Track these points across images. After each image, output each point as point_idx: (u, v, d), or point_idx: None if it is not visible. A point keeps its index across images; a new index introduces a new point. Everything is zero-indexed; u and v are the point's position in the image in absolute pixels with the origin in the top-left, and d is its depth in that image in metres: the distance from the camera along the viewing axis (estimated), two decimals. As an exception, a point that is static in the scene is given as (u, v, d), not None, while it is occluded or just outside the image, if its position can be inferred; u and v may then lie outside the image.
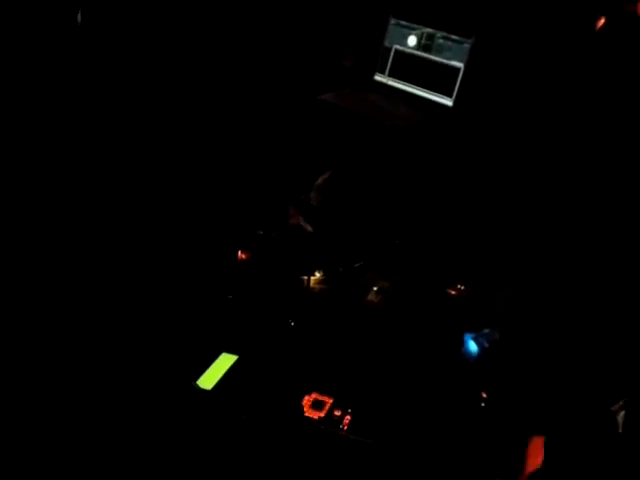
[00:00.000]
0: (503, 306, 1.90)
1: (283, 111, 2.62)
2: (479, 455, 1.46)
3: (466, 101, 2.51)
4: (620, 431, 1.53)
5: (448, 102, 2.55)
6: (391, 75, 2.74)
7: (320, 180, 2.26)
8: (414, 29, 2.67)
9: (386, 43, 2.75)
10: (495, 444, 1.49)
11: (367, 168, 2.34)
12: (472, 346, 1.76)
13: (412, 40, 2.67)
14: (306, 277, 1.93)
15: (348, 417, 1.52)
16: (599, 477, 1.42)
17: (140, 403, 1.48)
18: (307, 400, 1.56)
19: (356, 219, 2.15)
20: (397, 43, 2.72)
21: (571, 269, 1.99)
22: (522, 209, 2.19)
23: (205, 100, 2.60)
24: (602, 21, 2.20)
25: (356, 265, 2.00)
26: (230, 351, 1.68)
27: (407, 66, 2.69)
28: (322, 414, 1.53)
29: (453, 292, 1.95)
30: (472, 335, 1.77)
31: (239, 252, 2.01)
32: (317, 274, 1.95)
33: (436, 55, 2.61)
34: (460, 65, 2.52)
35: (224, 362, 1.65)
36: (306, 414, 1.52)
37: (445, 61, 2.57)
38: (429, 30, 2.63)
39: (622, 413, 1.55)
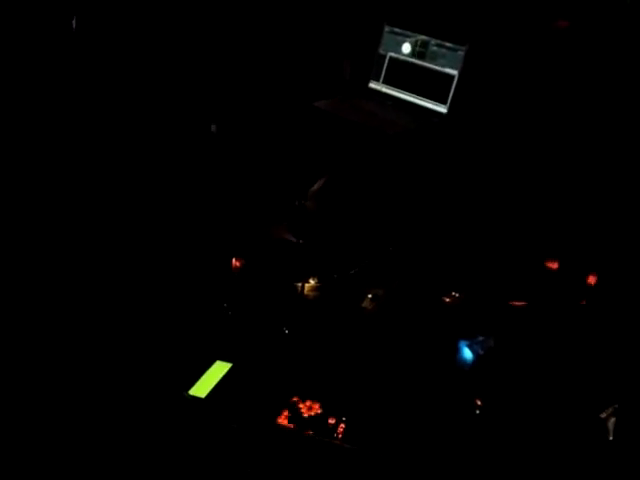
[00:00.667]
0: (498, 313, 1.90)
1: (278, 118, 2.62)
2: (474, 462, 1.46)
3: (460, 108, 2.51)
4: (610, 438, 1.54)
5: (442, 109, 2.55)
6: (385, 82, 2.75)
7: (315, 187, 2.26)
8: (408, 36, 2.67)
9: (381, 50, 2.75)
10: (489, 451, 1.49)
11: (362, 175, 2.34)
12: (467, 353, 1.76)
13: (406, 47, 2.68)
14: (300, 284, 1.93)
15: (342, 425, 1.52)
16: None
17: (133, 411, 1.47)
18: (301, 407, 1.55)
19: (351, 226, 2.14)
20: (392, 50, 2.72)
21: (564, 277, 1.99)
22: (517, 216, 2.19)
23: (200, 106, 2.60)
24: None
25: (351, 272, 1.99)
26: (224, 359, 1.67)
27: (401, 73, 2.70)
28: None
29: (448, 299, 1.95)
30: (467, 342, 1.77)
31: (233, 260, 2.00)
32: (311, 281, 1.95)
33: (430, 62, 2.61)
34: (454, 72, 2.53)
35: (218, 370, 1.65)
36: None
37: (439, 68, 2.58)
38: (423, 37, 2.63)
39: (612, 420, 1.55)
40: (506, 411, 1.59)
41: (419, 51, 2.65)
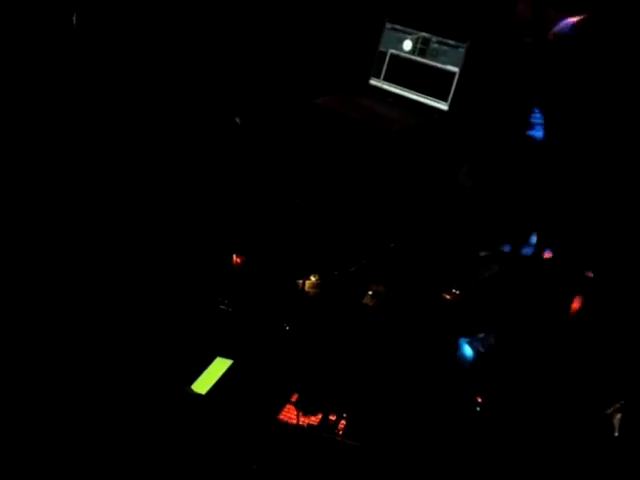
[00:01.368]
0: (498, 310, 1.90)
1: (278, 115, 2.62)
2: (474, 459, 1.46)
3: (461, 105, 2.51)
4: (616, 434, 1.53)
5: (443, 106, 2.55)
6: (386, 79, 2.74)
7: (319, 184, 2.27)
8: (409, 33, 2.67)
9: (381, 47, 2.75)
10: (490, 448, 1.49)
11: (363, 172, 2.33)
12: (467, 350, 1.76)
13: (407, 44, 2.67)
14: (301, 281, 1.93)
15: (343, 422, 1.52)
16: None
17: (135, 407, 1.47)
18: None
19: (352, 222, 2.14)
20: (392, 47, 2.72)
21: (565, 274, 1.99)
22: (518, 213, 2.19)
23: (200, 103, 2.59)
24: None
25: (351, 269, 1.99)
26: (225, 355, 1.68)
27: (402, 70, 2.69)
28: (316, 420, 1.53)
29: (448, 297, 1.95)
30: (467, 339, 1.77)
31: (234, 256, 2.00)
32: (312, 278, 1.94)
33: (431, 59, 2.61)
34: (455, 69, 2.52)
35: (219, 366, 1.65)
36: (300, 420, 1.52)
37: (440, 65, 2.57)
38: (424, 34, 2.62)
39: (618, 416, 1.55)
40: (507, 408, 1.59)
41: (420, 48, 2.64)
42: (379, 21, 2.73)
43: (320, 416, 1.53)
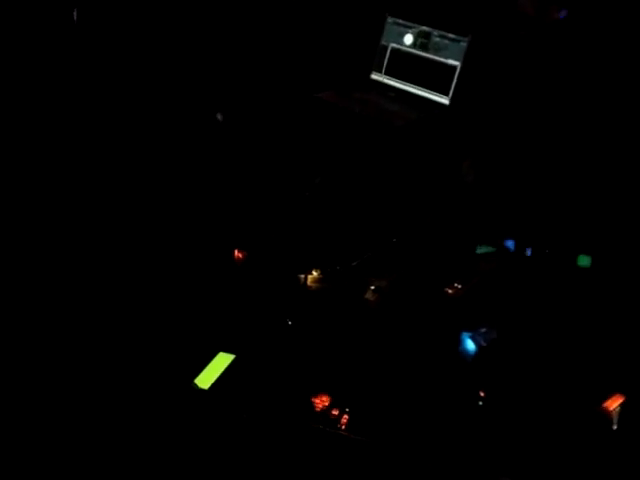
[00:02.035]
0: (500, 305, 1.90)
1: (279, 109, 2.61)
2: (477, 453, 1.46)
3: (463, 100, 2.51)
4: (615, 428, 1.54)
5: (445, 101, 2.54)
6: (387, 73, 2.74)
7: (318, 179, 2.26)
8: (411, 27, 2.66)
9: (383, 41, 2.74)
10: (493, 442, 1.49)
11: (364, 167, 2.33)
12: (469, 345, 1.76)
13: (409, 38, 2.66)
14: (303, 276, 1.93)
15: (346, 416, 1.52)
16: (595, 472, 1.42)
17: (138, 402, 1.47)
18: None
19: (354, 217, 2.14)
20: (394, 41, 2.71)
21: (567, 268, 1.99)
22: (519, 207, 2.19)
23: (201, 97, 2.59)
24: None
25: (353, 264, 1.99)
26: (227, 350, 1.68)
27: (404, 64, 2.69)
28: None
29: (450, 291, 1.95)
30: (469, 334, 1.77)
31: (236, 251, 2.00)
32: (314, 273, 1.95)
33: (433, 53, 2.60)
34: (457, 64, 2.52)
35: (221, 361, 1.65)
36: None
37: (442, 59, 2.57)
38: (426, 29, 2.62)
39: (617, 409, 1.56)
40: (509, 402, 1.59)
41: (421, 42, 2.63)
42: (380, 15, 2.72)
43: (323, 410, 1.54)
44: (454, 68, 2.53)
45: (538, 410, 1.56)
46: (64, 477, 1.32)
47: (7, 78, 2.23)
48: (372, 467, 1.40)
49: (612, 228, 2.08)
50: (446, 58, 2.56)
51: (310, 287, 1.92)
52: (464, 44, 2.51)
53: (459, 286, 1.95)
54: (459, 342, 1.77)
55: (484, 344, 1.76)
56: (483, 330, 1.79)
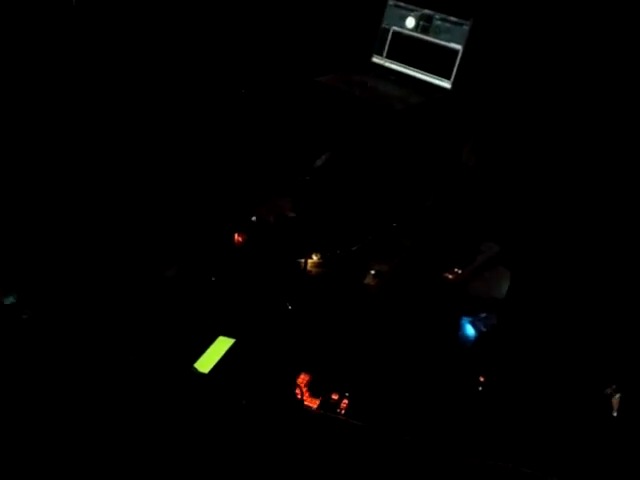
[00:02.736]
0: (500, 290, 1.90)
1: (280, 93, 2.60)
2: (476, 438, 1.46)
3: (464, 84, 2.49)
4: (615, 414, 1.54)
5: (446, 84, 2.53)
6: (389, 57, 2.72)
7: (319, 162, 2.25)
8: (412, 10, 2.64)
9: (384, 24, 2.72)
10: (493, 428, 1.49)
11: (365, 151, 2.32)
12: (469, 330, 1.76)
13: (410, 22, 2.64)
14: (303, 260, 1.92)
15: (345, 401, 1.52)
16: (594, 458, 1.43)
17: (137, 387, 1.47)
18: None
19: (354, 201, 2.13)
20: (395, 25, 2.69)
21: (568, 253, 1.99)
22: (521, 192, 2.18)
23: (201, 81, 2.57)
24: None
25: (353, 248, 1.99)
26: (227, 334, 1.67)
27: (405, 48, 2.67)
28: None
29: (450, 276, 1.94)
30: (469, 319, 1.77)
31: (236, 235, 2.00)
32: (314, 257, 1.94)
33: (434, 37, 2.58)
34: (459, 47, 2.50)
35: (221, 345, 1.64)
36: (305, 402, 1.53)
37: (443, 43, 2.55)
38: (428, 12, 2.60)
39: (617, 396, 1.56)
40: (509, 388, 1.60)
41: (423, 25, 2.61)
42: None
43: (323, 396, 1.54)
44: (456, 52, 2.51)
45: (538, 396, 1.57)
46: (59, 454, 1.32)
47: (5, 63, 2.21)
48: (371, 452, 1.40)
49: (611, 214, 2.07)
50: (448, 42, 2.54)
51: (310, 271, 1.92)
52: (466, 27, 2.49)
53: (459, 271, 1.95)
54: (459, 327, 1.77)
55: (484, 329, 1.76)
56: (483, 315, 1.79)
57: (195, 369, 1.55)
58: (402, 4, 2.67)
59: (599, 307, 1.81)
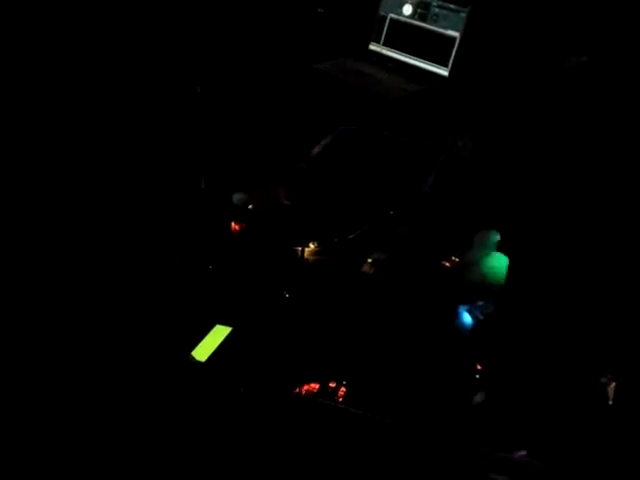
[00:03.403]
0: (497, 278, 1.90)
1: (277, 80, 2.59)
2: (474, 427, 1.47)
3: (462, 71, 2.48)
4: (610, 403, 1.55)
5: (444, 72, 2.52)
6: (386, 44, 2.71)
7: (315, 149, 2.24)
8: (410, -3, 2.63)
9: (381, 11, 2.71)
10: (489, 416, 1.50)
11: (362, 138, 2.31)
12: (466, 318, 1.76)
13: (408, 9, 2.63)
14: (300, 248, 1.92)
15: (343, 389, 1.52)
16: (590, 448, 1.43)
17: (134, 377, 1.47)
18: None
19: (350, 189, 2.13)
20: (392, 12, 2.68)
21: (566, 241, 1.99)
22: (519, 180, 2.18)
23: (198, 69, 2.55)
24: None
25: (351, 236, 1.98)
26: (224, 323, 1.67)
27: (402, 35, 2.65)
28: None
29: (447, 264, 1.94)
30: (466, 307, 1.77)
31: (232, 223, 1.99)
32: (311, 245, 1.94)
33: (432, 24, 2.57)
34: (456, 34, 2.49)
35: (218, 334, 1.64)
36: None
37: (441, 30, 2.54)
38: (425, -2, 2.59)
39: (612, 385, 1.56)
40: (506, 376, 1.60)
41: (420, 12, 2.60)
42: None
43: (320, 384, 1.54)
44: (453, 39, 2.50)
45: (535, 384, 1.57)
46: (59, 445, 1.32)
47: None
48: (369, 440, 1.40)
49: (610, 201, 2.07)
50: (445, 29, 2.53)
51: (307, 260, 1.92)
52: (464, 15, 2.48)
53: (456, 259, 1.94)
54: (456, 315, 1.77)
55: (481, 317, 1.76)
56: (480, 303, 1.79)
57: (192, 357, 1.55)
58: (399, -9, 2.65)
59: (597, 295, 1.81)
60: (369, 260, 1.91)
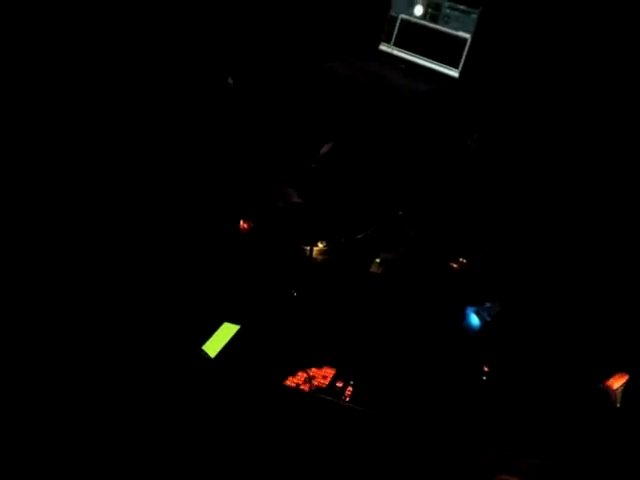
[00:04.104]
0: (505, 280, 1.90)
1: (288, 80, 2.59)
2: (480, 428, 1.47)
3: (472, 73, 2.48)
4: (618, 405, 1.55)
5: (454, 73, 2.52)
6: (397, 45, 2.71)
7: (325, 149, 2.25)
8: (421, -2, 2.63)
9: (392, 12, 2.71)
10: (496, 417, 1.50)
11: (372, 138, 2.31)
12: (474, 319, 1.76)
13: (419, 10, 2.63)
14: (309, 247, 1.92)
15: (350, 388, 1.53)
16: (598, 449, 1.43)
17: (143, 373, 1.48)
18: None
19: (360, 189, 2.13)
20: (404, 12, 2.68)
21: (573, 243, 1.99)
22: (527, 182, 2.18)
23: (209, 66, 2.56)
24: None
25: (359, 236, 1.99)
26: (232, 321, 1.68)
27: (413, 36, 2.66)
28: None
29: (455, 265, 1.94)
30: (474, 309, 1.78)
31: (241, 222, 2.00)
32: (320, 245, 1.94)
33: (443, 25, 2.57)
34: (467, 36, 2.49)
35: (226, 332, 1.65)
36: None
37: (452, 31, 2.54)
38: (436, 0, 2.58)
39: (620, 389, 1.56)
40: (513, 377, 1.60)
41: (431, 13, 2.60)
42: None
43: (327, 382, 1.54)
44: (464, 40, 2.50)
45: (541, 386, 1.57)
46: (66, 443, 1.33)
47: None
48: (376, 439, 1.41)
49: (615, 205, 2.07)
50: (456, 30, 2.52)
51: (315, 259, 1.92)
52: (475, 16, 2.47)
53: (464, 261, 1.95)
54: (463, 317, 1.77)
55: (488, 319, 1.76)
56: (488, 305, 1.79)
57: (203, 351, 1.56)
58: (411, -9, 2.66)
59: (603, 297, 1.81)
60: (377, 260, 1.92)
